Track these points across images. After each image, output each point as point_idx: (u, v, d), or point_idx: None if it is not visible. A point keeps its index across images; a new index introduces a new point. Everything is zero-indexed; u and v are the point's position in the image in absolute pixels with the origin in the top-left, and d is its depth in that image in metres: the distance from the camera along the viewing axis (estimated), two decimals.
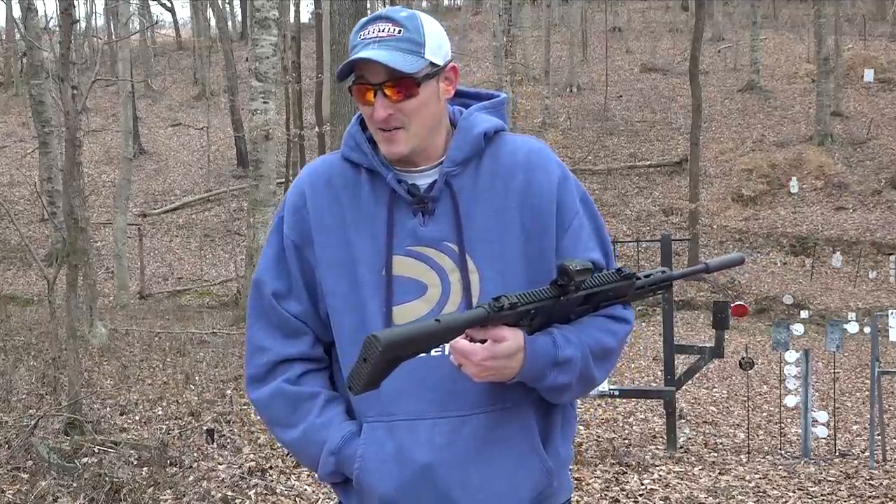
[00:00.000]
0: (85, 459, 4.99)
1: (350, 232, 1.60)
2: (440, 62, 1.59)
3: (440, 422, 1.56)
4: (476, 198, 1.60)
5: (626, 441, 6.94)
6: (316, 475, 1.82)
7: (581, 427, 7.27)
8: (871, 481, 5.42)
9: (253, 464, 5.23)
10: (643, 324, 15.17)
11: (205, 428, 6.02)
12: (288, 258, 1.65)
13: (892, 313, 6.27)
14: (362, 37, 1.56)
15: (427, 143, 1.61)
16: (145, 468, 4.94)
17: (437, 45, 1.58)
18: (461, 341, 1.46)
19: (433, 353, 1.55)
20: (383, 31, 1.54)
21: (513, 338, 1.47)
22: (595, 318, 1.62)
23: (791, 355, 6.41)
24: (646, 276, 1.69)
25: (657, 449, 6.50)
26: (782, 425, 7.25)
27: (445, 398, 1.55)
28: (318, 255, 1.62)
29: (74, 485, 4.49)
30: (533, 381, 1.53)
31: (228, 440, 5.88)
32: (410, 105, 1.55)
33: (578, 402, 7.94)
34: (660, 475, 5.45)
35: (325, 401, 1.63)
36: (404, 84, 1.54)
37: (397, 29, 1.54)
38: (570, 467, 5.44)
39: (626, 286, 1.63)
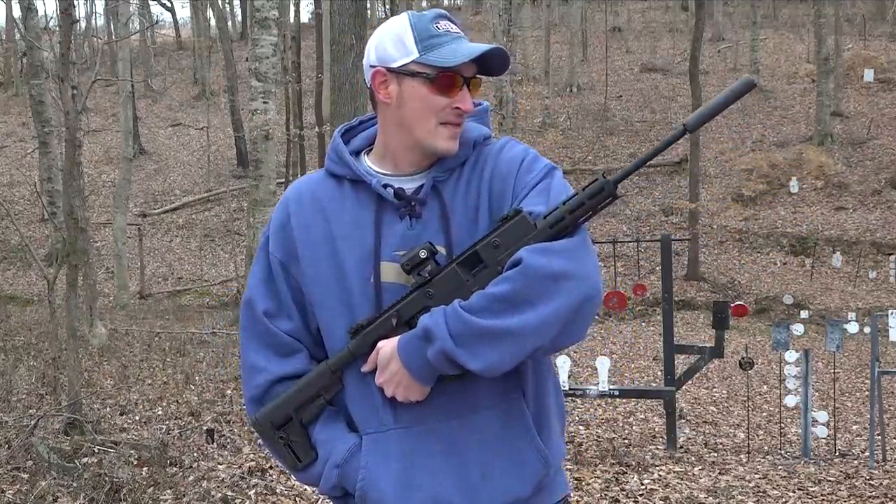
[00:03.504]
0: (85, 459, 4.99)
1: (337, 243, 1.61)
2: None
3: (438, 426, 1.56)
4: (460, 201, 1.61)
5: (626, 441, 6.94)
6: (313, 489, 1.85)
7: (581, 427, 7.27)
8: (871, 481, 5.42)
9: (253, 464, 5.23)
10: (643, 324, 15.18)
11: (205, 428, 6.02)
12: (275, 276, 1.65)
13: (892, 313, 6.27)
14: (443, 29, 1.60)
15: None
16: (145, 468, 4.95)
17: None
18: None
19: None
20: (457, 29, 1.62)
21: (386, 345, 1.54)
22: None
23: (791, 355, 6.41)
24: (567, 200, 1.50)
25: (657, 449, 6.50)
26: (782, 425, 7.25)
27: (440, 403, 1.56)
28: (305, 270, 1.62)
29: (74, 485, 4.49)
30: (430, 367, 1.49)
31: (228, 440, 5.88)
32: (472, 105, 1.64)
33: (578, 401, 7.98)
34: (660, 475, 5.45)
35: (327, 416, 1.64)
36: (478, 83, 1.64)
37: (462, 32, 1.65)
38: (570, 467, 5.38)
39: (512, 227, 1.49)
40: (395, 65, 1.59)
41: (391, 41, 1.60)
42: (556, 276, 1.44)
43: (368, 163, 1.68)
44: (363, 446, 1.59)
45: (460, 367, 1.47)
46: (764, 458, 6.25)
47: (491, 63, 1.62)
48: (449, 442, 1.56)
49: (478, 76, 1.63)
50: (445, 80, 1.57)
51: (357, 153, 1.70)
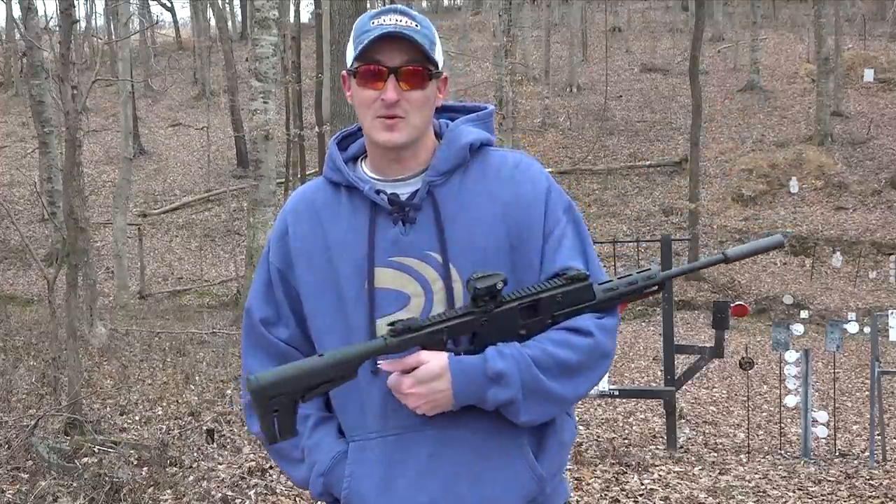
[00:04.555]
0: (85, 459, 4.99)
1: (332, 251, 1.60)
2: (440, 67, 1.61)
3: (427, 434, 1.55)
4: (461, 207, 1.59)
5: (626, 441, 6.94)
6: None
7: (581, 427, 7.27)
8: (871, 481, 5.41)
9: (253, 464, 5.23)
10: (643, 323, 15.18)
11: (205, 428, 6.02)
12: (274, 285, 1.66)
13: (892, 313, 6.27)
14: (378, 23, 1.55)
15: (419, 142, 1.61)
16: (145, 468, 4.94)
17: (440, 49, 1.62)
18: (392, 377, 1.51)
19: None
20: (401, 21, 1.56)
21: (433, 359, 1.49)
22: (553, 332, 1.56)
23: (791, 355, 6.41)
24: (623, 277, 1.61)
25: (657, 449, 6.50)
26: (782, 425, 7.25)
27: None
28: (301, 278, 1.63)
29: (74, 485, 4.49)
30: (478, 401, 1.51)
31: (228, 440, 5.88)
32: (416, 96, 1.56)
33: (577, 405, 7.98)
34: (660, 475, 5.45)
35: (315, 422, 1.64)
36: (418, 74, 1.56)
37: (415, 23, 1.57)
38: (570, 467, 5.37)
39: (578, 290, 1.56)
40: (348, 66, 1.62)
41: (349, 44, 1.62)
42: (605, 354, 1.59)
43: (365, 169, 1.66)
44: (349, 454, 1.59)
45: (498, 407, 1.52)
46: (764, 458, 6.25)
47: (403, 50, 1.55)
48: (438, 450, 1.55)
49: (415, 65, 1.55)
50: (364, 72, 1.56)
51: (355, 159, 1.70)
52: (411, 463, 1.55)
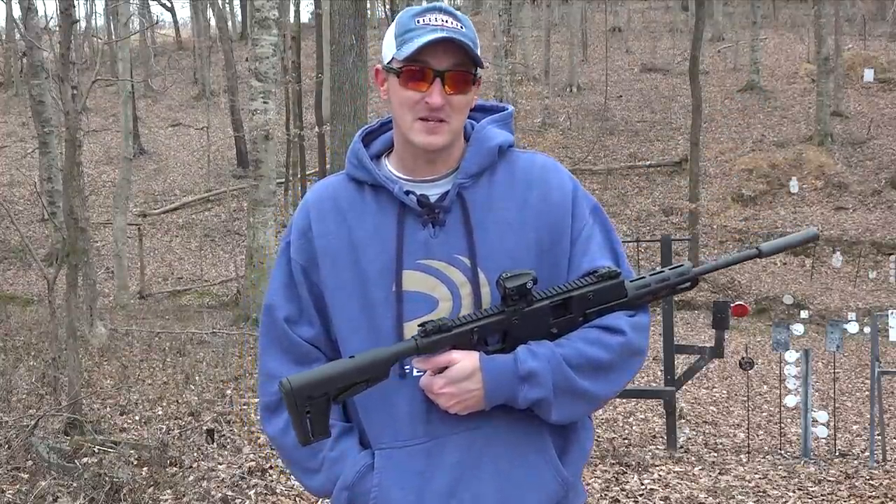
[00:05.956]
0: (85, 459, 4.99)
1: (358, 252, 1.58)
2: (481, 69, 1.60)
3: (453, 439, 1.55)
4: (490, 211, 1.58)
5: (626, 441, 6.94)
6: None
7: None
8: (871, 481, 5.42)
9: (253, 464, 5.23)
10: None
11: (205, 428, 6.02)
12: (297, 282, 1.63)
13: (892, 313, 6.27)
14: (422, 22, 1.53)
15: (453, 145, 1.60)
16: (145, 468, 4.94)
17: (480, 51, 1.61)
18: (424, 378, 1.50)
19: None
20: (447, 22, 1.53)
21: (464, 358, 1.49)
22: (585, 330, 1.56)
23: (791, 355, 6.41)
24: (653, 274, 1.62)
25: (657, 449, 6.50)
26: (782, 425, 7.25)
27: (455, 416, 1.54)
28: (326, 279, 1.60)
29: (74, 485, 4.49)
30: (509, 401, 1.51)
31: (228, 440, 5.88)
32: (459, 101, 1.55)
33: None
34: (660, 475, 5.45)
35: (339, 433, 1.60)
36: (463, 78, 1.55)
37: (459, 25, 1.54)
38: None
39: (610, 288, 1.56)
40: (384, 62, 1.59)
41: (385, 39, 1.60)
42: (637, 352, 1.61)
43: (389, 167, 1.64)
44: (376, 463, 1.57)
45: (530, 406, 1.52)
46: (764, 458, 6.25)
47: (451, 53, 1.53)
48: (465, 455, 1.54)
49: (461, 69, 1.54)
50: (409, 73, 1.53)
51: (378, 156, 1.67)
52: (440, 470, 1.54)
